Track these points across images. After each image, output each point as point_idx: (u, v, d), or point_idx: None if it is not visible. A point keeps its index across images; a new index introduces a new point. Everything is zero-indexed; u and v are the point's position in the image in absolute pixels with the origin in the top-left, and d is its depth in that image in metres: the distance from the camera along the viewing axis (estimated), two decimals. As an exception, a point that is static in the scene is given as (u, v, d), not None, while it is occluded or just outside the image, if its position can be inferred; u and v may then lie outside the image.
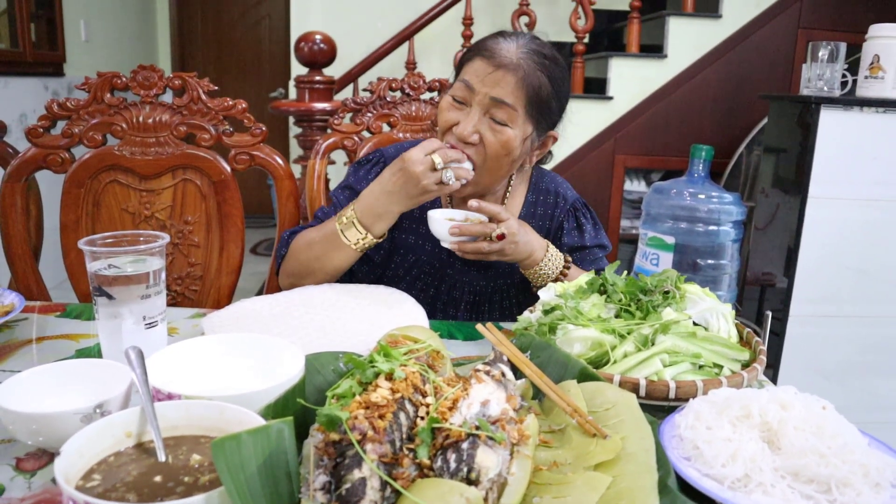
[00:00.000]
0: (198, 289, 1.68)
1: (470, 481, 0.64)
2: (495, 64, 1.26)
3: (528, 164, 1.44)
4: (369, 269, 1.48)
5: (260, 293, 1.84)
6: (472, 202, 1.27)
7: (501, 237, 1.27)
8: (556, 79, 1.31)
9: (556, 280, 1.36)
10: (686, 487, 0.72)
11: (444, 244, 1.31)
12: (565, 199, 1.51)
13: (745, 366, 0.99)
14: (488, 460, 0.66)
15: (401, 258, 1.48)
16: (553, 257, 1.36)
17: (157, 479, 0.65)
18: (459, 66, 1.36)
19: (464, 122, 1.29)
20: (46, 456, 0.79)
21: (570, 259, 1.40)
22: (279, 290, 1.37)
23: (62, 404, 0.79)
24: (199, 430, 0.72)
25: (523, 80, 1.26)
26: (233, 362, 0.92)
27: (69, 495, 0.57)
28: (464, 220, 1.29)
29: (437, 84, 1.81)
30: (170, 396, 0.76)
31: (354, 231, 1.29)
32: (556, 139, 1.42)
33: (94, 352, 1.11)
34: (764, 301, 2.79)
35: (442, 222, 1.28)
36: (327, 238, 1.32)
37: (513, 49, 1.28)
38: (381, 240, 1.32)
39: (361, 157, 1.52)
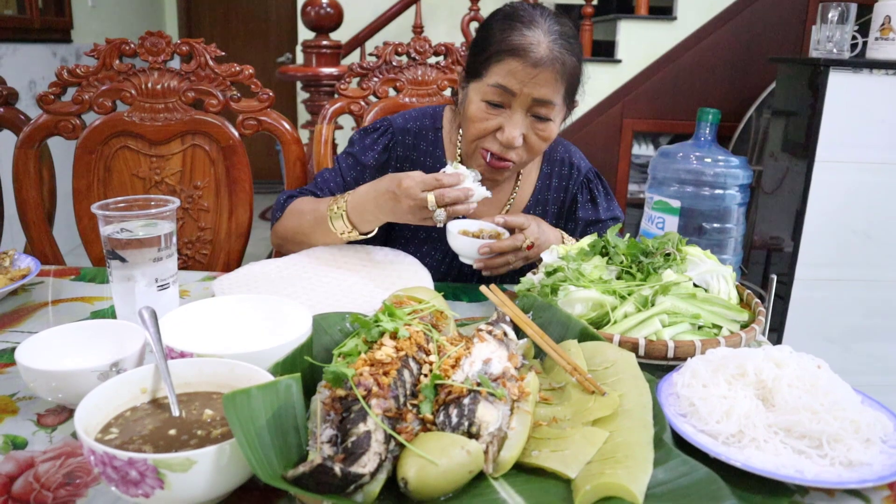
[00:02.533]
0: (208, 253, 1.70)
1: (471, 435, 0.67)
2: (532, 63, 1.21)
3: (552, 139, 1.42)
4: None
5: (268, 258, 1.86)
6: (498, 218, 1.25)
7: (531, 247, 1.24)
8: (579, 53, 1.28)
9: None
10: (681, 443, 0.74)
11: (466, 260, 1.27)
12: (579, 170, 1.51)
13: (745, 326, 1.01)
14: (489, 415, 0.68)
15: (412, 233, 1.47)
16: (568, 244, 1.34)
17: (172, 432, 0.68)
18: (482, 62, 1.27)
19: (509, 128, 1.25)
20: (66, 412, 0.83)
21: None
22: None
23: (80, 363, 0.83)
24: (211, 387, 0.75)
25: (560, 72, 1.23)
26: (243, 322, 0.95)
27: (89, 447, 0.60)
28: (478, 231, 1.27)
29: (442, 48, 1.80)
30: (182, 355, 0.79)
31: (342, 223, 1.27)
32: (577, 105, 1.39)
33: (109, 314, 1.14)
34: (770, 265, 2.80)
35: (466, 241, 1.24)
36: (317, 219, 1.31)
37: (542, 40, 1.22)
38: (368, 236, 1.30)
39: (368, 125, 1.50)
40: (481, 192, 1.20)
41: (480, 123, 1.27)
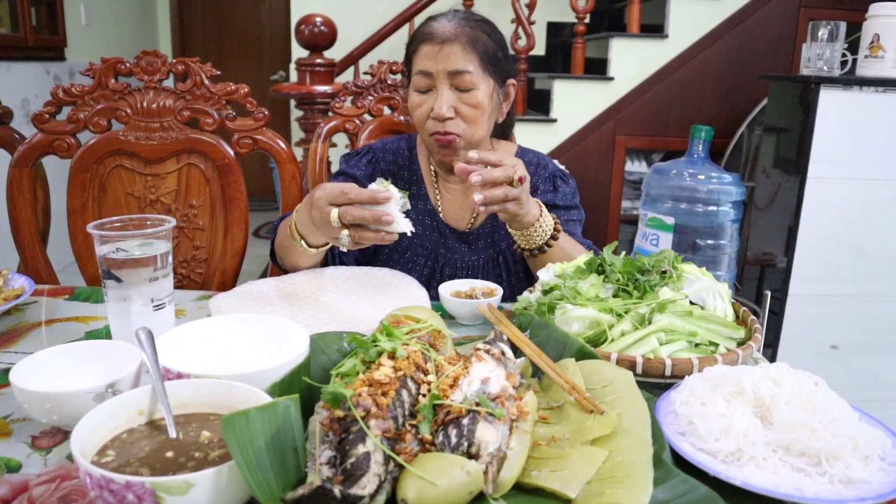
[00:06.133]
0: (203, 271, 1.70)
1: (470, 455, 0.66)
2: (439, 42, 1.35)
3: (501, 117, 1.48)
4: (361, 255, 1.52)
5: (263, 276, 1.86)
6: (472, 153, 1.17)
7: (522, 180, 1.18)
8: (494, 33, 1.42)
9: (542, 247, 1.32)
10: (680, 461, 0.74)
11: (463, 321, 1.21)
12: (546, 168, 1.55)
13: (741, 344, 1.01)
14: (488, 435, 0.68)
15: (394, 243, 1.49)
16: (546, 217, 1.32)
17: (169, 454, 0.67)
18: (408, 62, 1.44)
19: (436, 104, 1.37)
20: (61, 434, 0.82)
21: (559, 224, 1.35)
22: (283, 272, 1.40)
23: (75, 384, 0.82)
24: (209, 408, 0.75)
25: (467, 44, 1.36)
26: (240, 342, 0.94)
27: (86, 470, 0.60)
28: (470, 291, 1.24)
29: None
30: (179, 375, 0.78)
31: (296, 234, 1.25)
32: (516, 86, 1.49)
33: (103, 334, 1.13)
34: (764, 281, 2.80)
35: (458, 302, 1.18)
36: (287, 237, 1.30)
37: (447, 24, 1.37)
38: (320, 248, 1.27)
39: (350, 151, 1.59)
40: (403, 224, 1.09)
41: (417, 110, 1.41)
